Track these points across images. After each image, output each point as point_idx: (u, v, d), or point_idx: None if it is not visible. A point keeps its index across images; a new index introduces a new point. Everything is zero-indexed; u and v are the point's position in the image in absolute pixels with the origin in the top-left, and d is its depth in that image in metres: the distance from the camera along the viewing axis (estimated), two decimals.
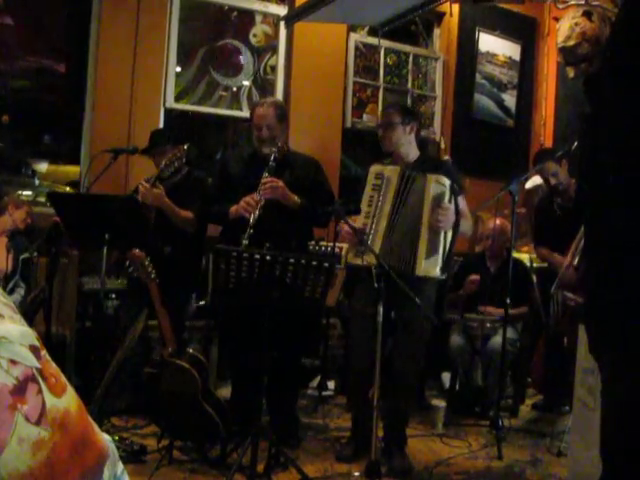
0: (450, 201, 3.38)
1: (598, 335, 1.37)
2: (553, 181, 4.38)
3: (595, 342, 1.38)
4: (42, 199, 5.22)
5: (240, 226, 3.49)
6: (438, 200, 3.36)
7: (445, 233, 3.37)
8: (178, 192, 3.92)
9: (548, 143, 6.55)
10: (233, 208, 3.59)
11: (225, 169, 3.82)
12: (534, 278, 4.78)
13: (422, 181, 3.38)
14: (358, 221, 3.39)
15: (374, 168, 3.55)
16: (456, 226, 3.42)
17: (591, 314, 1.38)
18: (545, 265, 4.88)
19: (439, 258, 3.34)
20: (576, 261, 4.02)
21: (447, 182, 3.40)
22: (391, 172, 3.46)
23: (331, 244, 4.10)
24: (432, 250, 3.32)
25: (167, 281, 3.47)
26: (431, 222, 3.32)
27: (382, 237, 3.35)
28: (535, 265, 5.05)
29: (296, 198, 3.60)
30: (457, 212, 3.41)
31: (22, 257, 4.22)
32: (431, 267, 3.30)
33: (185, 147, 3.74)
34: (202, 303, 4.40)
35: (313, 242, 4.17)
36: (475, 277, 4.53)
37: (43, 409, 0.71)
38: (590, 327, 1.40)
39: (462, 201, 3.59)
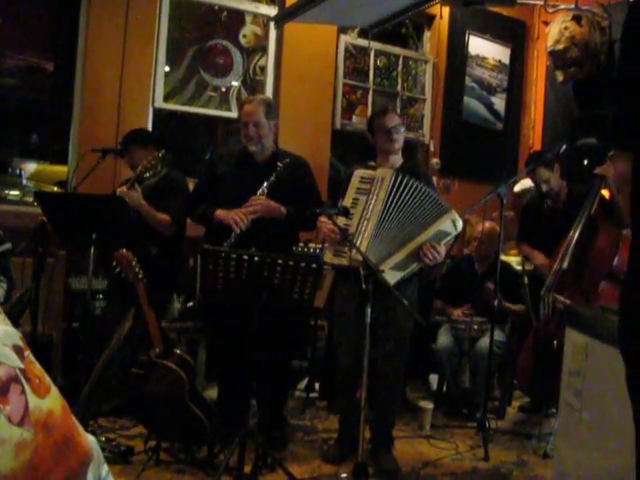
0: (447, 244, 3.40)
1: None
2: (545, 188, 4.41)
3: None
4: (29, 199, 5.18)
5: (225, 228, 3.49)
6: (440, 236, 3.35)
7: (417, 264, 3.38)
8: (155, 194, 3.95)
9: (537, 146, 6.58)
10: (221, 214, 3.56)
11: (213, 168, 3.79)
12: (525, 280, 4.79)
13: (438, 212, 3.36)
14: (339, 222, 3.35)
15: (359, 172, 3.51)
16: (432, 267, 3.45)
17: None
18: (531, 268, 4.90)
19: (399, 276, 3.33)
20: (565, 264, 4.04)
21: (460, 228, 3.41)
22: (383, 173, 3.43)
23: (319, 245, 4.10)
24: (399, 266, 3.31)
25: (149, 282, 3.46)
26: (421, 251, 3.31)
27: (369, 238, 3.31)
28: (526, 268, 5.05)
29: (282, 209, 3.59)
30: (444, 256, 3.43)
31: None
32: (389, 276, 3.26)
33: (160, 155, 3.75)
34: (190, 304, 4.39)
35: (302, 244, 4.17)
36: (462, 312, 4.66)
37: (26, 410, 0.70)
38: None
39: None
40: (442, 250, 3.36)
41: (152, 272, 3.50)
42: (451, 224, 3.36)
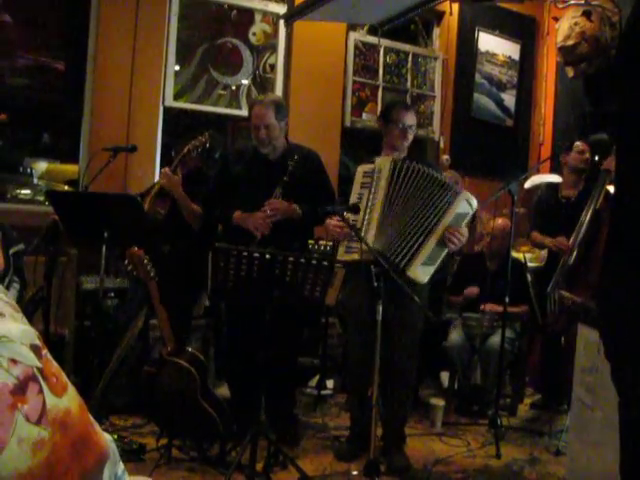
0: (468, 225, 3.38)
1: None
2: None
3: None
4: (40, 198, 5.21)
5: (242, 228, 3.51)
6: (459, 219, 3.32)
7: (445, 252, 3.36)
8: (190, 185, 3.96)
9: (547, 142, 6.56)
10: (239, 217, 3.57)
11: (226, 168, 3.80)
12: (529, 277, 4.78)
13: (451, 196, 3.32)
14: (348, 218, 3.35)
15: (361, 167, 3.51)
16: (460, 250, 3.43)
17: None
18: (541, 265, 4.89)
19: (432, 270, 3.31)
20: (572, 260, 4.03)
21: (475, 205, 3.39)
22: (382, 162, 3.43)
23: (330, 243, 4.10)
24: (430, 260, 3.29)
25: (170, 280, 3.46)
26: (445, 237, 3.28)
27: (376, 227, 3.30)
28: (532, 265, 5.04)
29: (297, 209, 3.60)
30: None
31: (12, 251, 4.15)
32: (421, 274, 3.26)
33: (208, 134, 3.82)
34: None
35: (312, 241, 4.17)
36: (473, 290, 4.62)
37: (43, 409, 0.70)
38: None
39: None
40: (465, 231, 3.34)
41: (169, 270, 3.52)
42: (467, 204, 3.34)
